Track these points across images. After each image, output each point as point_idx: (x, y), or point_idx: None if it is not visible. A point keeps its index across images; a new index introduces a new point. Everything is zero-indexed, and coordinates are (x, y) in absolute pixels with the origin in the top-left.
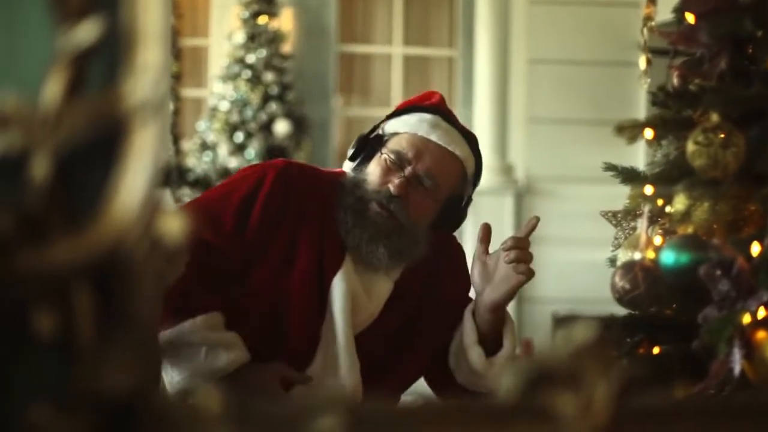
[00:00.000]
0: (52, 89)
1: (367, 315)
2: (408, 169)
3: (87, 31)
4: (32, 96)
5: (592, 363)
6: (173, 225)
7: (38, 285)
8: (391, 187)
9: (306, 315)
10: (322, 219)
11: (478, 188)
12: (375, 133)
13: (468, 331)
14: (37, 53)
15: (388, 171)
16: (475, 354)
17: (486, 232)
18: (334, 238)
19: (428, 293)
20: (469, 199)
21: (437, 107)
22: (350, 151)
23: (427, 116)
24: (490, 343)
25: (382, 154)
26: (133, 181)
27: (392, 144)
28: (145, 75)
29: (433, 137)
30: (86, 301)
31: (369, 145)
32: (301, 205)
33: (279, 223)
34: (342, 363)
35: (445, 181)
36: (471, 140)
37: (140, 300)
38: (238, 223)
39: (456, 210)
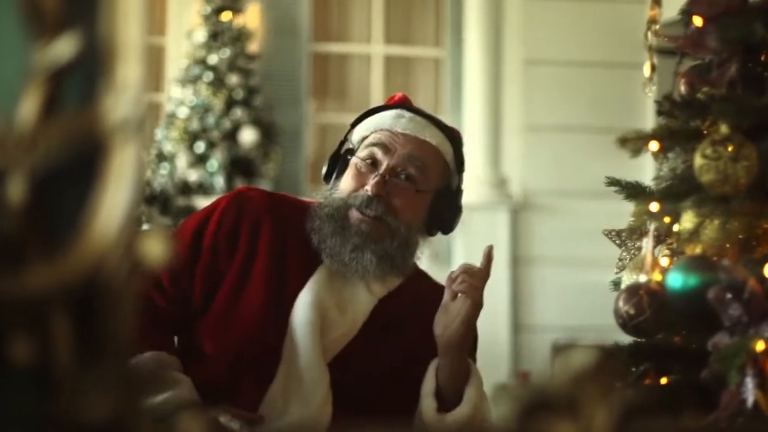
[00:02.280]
0: (28, 107)
1: (341, 333)
2: (382, 167)
3: (64, 47)
4: (7, 115)
5: (591, 390)
6: (154, 247)
7: (15, 311)
8: (368, 188)
9: (263, 333)
10: (286, 233)
11: (468, 203)
12: (344, 148)
13: (427, 380)
14: (11, 70)
15: (361, 175)
16: (426, 405)
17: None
18: (303, 249)
19: (420, 331)
20: (459, 191)
21: (398, 104)
22: (323, 172)
23: (389, 112)
24: (453, 395)
25: (352, 161)
26: (113, 203)
27: (361, 148)
28: (125, 92)
29: (399, 128)
30: (64, 328)
31: (340, 160)
32: (259, 225)
33: (233, 245)
34: (305, 384)
35: (423, 171)
36: (442, 126)
37: (120, 325)
38: (190, 258)
39: (447, 204)
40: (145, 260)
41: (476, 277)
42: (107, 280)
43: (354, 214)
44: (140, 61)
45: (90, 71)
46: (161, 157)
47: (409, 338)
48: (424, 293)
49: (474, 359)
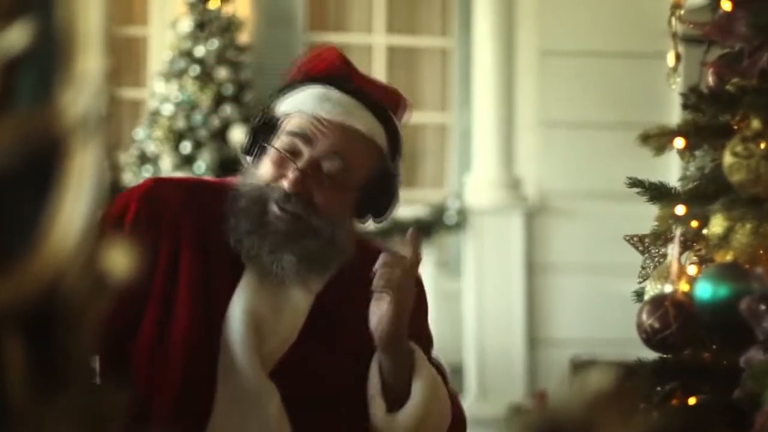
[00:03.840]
0: None
1: (280, 341)
2: (302, 159)
3: (15, 36)
4: None
5: (610, 415)
6: (119, 260)
7: None
8: (285, 183)
9: (194, 351)
10: (207, 234)
11: (480, 206)
12: (267, 116)
13: (371, 378)
14: None
15: (281, 163)
16: (375, 406)
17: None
18: (225, 253)
19: (366, 319)
20: (395, 176)
21: (328, 74)
22: (244, 145)
23: (314, 91)
24: (401, 392)
25: (272, 145)
26: (73, 210)
27: (284, 128)
28: (85, 86)
29: (323, 113)
30: (17, 352)
31: (263, 132)
32: (179, 226)
33: (154, 252)
34: (252, 405)
35: (351, 162)
36: (375, 105)
37: (82, 349)
38: None
39: (380, 191)
40: (109, 275)
41: (398, 267)
42: (66, 297)
43: (273, 209)
44: (102, 52)
45: (45, 63)
46: (143, 158)
47: (355, 330)
48: (366, 271)
49: (427, 353)
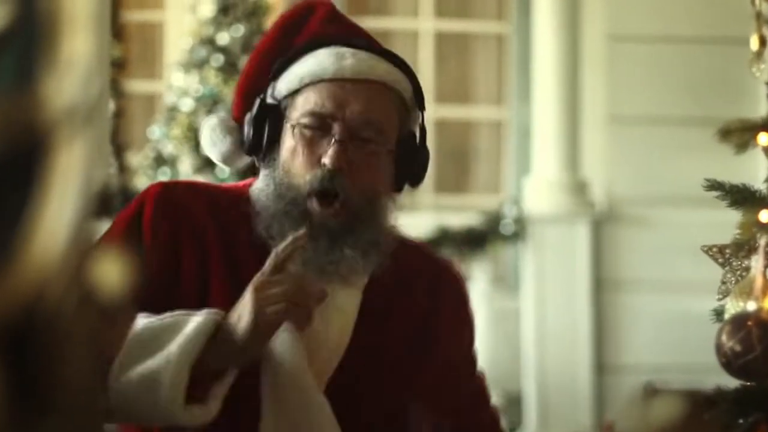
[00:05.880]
0: None
1: (332, 347)
2: (336, 128)
3: None
4: None
5: None
6: (111, 271)
7: None
8: (326, 159)
9: (236, 382)
10: (235, 242)
11: (541, 213)
12: (266, 104)
13: None
14: None
15: (310, 143)
16: None
17: None
18: (257, 253)
19: (425, 332)
20: (424, 131)
21: (326, 32)
22: (246, 139)
23: (325, 52)
24: None
25: (290, 126)
26: (58, 215)
27: (298, 108)
28: (72, 71)
29: (347, 73)
30: None
31: (265, 124)
32: (204, 233)
33: (177, 260)
34: (301, 418)
35: (387, 122)
36: (392, 55)
37: (69, 370)
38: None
39: (412, 151)
40: (99, 288)
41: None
42: (50, 313)
43: (313, 206)
44: (92, 33)
45: (27, 45)
46: (160, 160)
47: (404, 325)
48: (409, 262)
49: None
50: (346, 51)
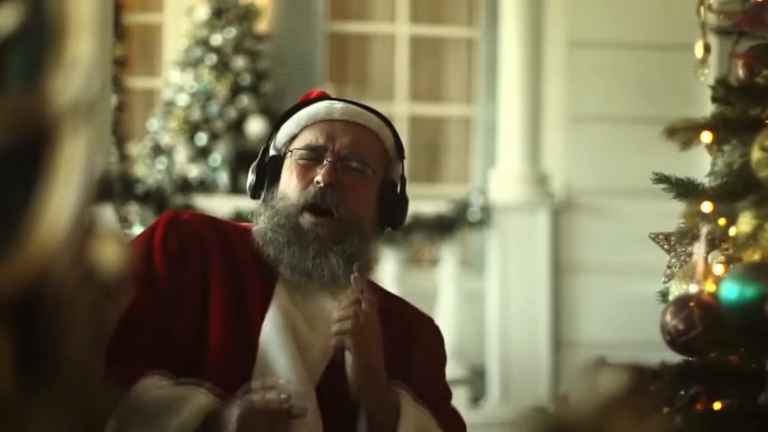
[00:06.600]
0: None
1: (319, 354)
2: (328, 154)
3: (5, 18)
4: None
5: (621, 417)
6: (110, 252)
7: None
8: (318, 178)
9: (232, 375)
10: (236, 253)
11: (505, 203)
12: (269, 155)
13: (359, 427)
14: None
15: (305, 170)
16: None
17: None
18: (256, 267)
19: (404, 354)
20: (404, 181)
21: (322, 96)
22: (250, 185)
23: (318, 104)
24: None
25: (288, 155)
26: (62, 199)
27: (295, 146)
28: (77, 70)
29: (336, 115)
30: (5, 345)
31: (268, 169)
32: (207, 249)
33: (184, 272)
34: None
35: (371, 157)
36: (376, 112)
37: (72, 343)
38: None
39: (392, 195)
40: (99, 267)
41: (352, 318)
42: (54, 290)
43: (306, 219)
44: (95, 35)
45: (36, 46)
46: (157, 150)
47: (390, 343)
48: (393, 304)
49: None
50: (337, 102)
